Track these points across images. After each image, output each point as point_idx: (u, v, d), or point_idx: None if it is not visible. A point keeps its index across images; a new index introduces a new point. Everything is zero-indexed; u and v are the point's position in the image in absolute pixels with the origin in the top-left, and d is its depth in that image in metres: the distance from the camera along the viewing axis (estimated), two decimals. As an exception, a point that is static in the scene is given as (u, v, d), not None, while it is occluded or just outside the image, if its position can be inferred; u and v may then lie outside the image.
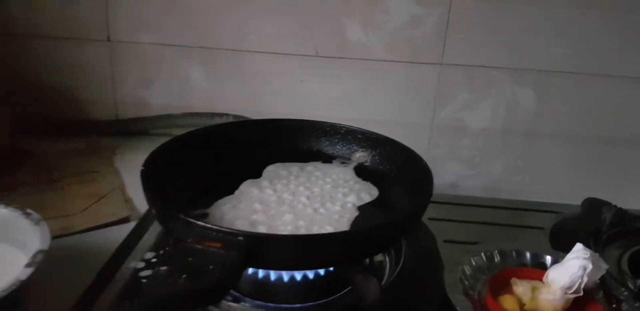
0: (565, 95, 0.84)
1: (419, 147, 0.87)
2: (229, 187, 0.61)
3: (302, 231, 0.53)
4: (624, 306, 0.52)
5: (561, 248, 0.61)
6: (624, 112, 0.84)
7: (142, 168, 0.54)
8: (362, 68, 0.84)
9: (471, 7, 0.79)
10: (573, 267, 0.51)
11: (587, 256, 0.51)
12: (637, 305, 0.52)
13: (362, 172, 0.65)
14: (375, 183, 0.63)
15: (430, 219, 0.68)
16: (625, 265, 0.61)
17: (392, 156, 0.64)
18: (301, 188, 0.61)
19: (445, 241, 0.64)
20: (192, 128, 0.85)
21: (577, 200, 0.74)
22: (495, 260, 0.58)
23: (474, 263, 0.56)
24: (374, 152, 0.66)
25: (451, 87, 0.84)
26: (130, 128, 0.89)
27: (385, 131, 0.86)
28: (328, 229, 0.54)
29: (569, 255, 0.52)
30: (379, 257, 0.60)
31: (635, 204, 0.72)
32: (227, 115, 0.86)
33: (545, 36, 0.80)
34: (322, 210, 0.58)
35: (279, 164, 0.66)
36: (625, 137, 0.85)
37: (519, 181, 0.89)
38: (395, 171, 0.64)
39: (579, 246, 0.52)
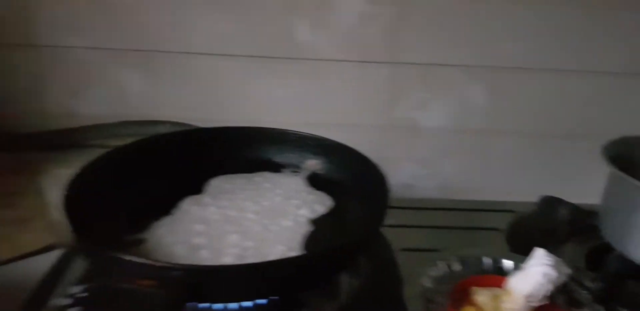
0: (517, 91, 0.81)
1: (374, 148, 0.83)
2: (169, 206, 0.55)
3: (250, 253, 0.48)
4: (586, 309, 0.49)
5: (520, 250, 0.58)
6: (577, 106, 0.82)
7: (65, 192, 0.47)
8: (312, 69, 0.79)
9: (422, 4, 0.75)
10: (535, 275, 0.48)
11: (549, 262, 0.48)
12: (597, 308, 0.49)
13: (315, 181, 0.60)
14: (329, 193, 0.59)
15: (386, 226, 0.64)
16: (582, 263, 0.60)
17: (346, 163, 0.60)
18: (248, 203, 0.56)
19: (403, 249, 0.60)
20: (129, 138, 0.80)
21: (532, 197, 0.72)
22: (455, 268, 0.54)
23: (433, 274, 0.52)
24: (326, 160, 0.62)
25: (404, 86, 0.80)
26: (59, 141, 0.80)
27: (338, 133, 0.81)
28: (279, 249, 0.48)
29: (531, 262, 0.49)
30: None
31: (590, 198, 0.70)
32: (167, 123, 0.79)
33: (496, 32, 0.77)
34: (272, 227, 0.52)
35: (223, 177, 0.60)
36: (578, 132, 0.83)
37: (474, 179, 0.86)
38: (350, 179, 0.59)
39: (539, 252, 0.49)
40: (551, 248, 0.60)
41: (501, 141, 0.84)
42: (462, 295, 0.50)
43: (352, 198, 0.57)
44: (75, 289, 0.49)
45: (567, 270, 0.50)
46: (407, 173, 0.85)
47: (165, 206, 0.54)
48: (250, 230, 0.51)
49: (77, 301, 0.47)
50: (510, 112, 0.82)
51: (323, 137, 0.61)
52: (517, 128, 0.83)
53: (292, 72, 0.79)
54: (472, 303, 0.49)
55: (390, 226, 0.64)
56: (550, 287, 0.48)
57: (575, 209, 0.66)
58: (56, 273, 0.53)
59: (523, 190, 0.75)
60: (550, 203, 0.68)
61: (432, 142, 0.84)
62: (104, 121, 0.81)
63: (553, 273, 0.48)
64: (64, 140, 0.80)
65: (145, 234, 0.50)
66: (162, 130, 0.78)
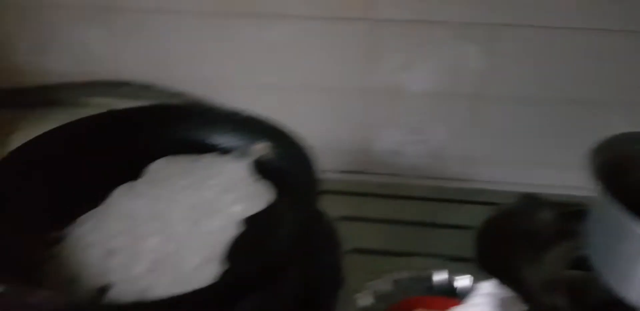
0: (519, 52, 0.68)
1: (355, 113, 0.76)
2: (102, 195, 0.50)
3: (166, 261, 0.43)
4: None
5: (487, 257, 0.51)
6: (587, 69, 0.69)
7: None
8: (279, 27, 0.68)
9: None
10: (478, 315, 0.41)
11: (495, 303, 0.41)
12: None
13: (261, 167, 0.53)
14: (274, 182, 0.52)
15: (344, 218, 0.57)
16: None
17: (288, 153, 0.52)
18: (181, 195, 0.50)
19: (355, 250, 0.54)
20: (97, 98, 0.75)
21: (528, 173, 0.63)
22: (403, 284, 0.47)
23: (376, 289, 0.46)
24: (273, 145, 0.54)
25: (385, 46, 0.68)
26: (29, 99, 0.75)
27: (314, 97, 0.73)
28: (195, 261, 0.43)
29: (476, 298, 0.41)
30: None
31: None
32: (131, 84, 0.72)
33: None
34: (199, 227, 0.47)
35: (164, 160, 0.54)
36: (590, 98, 0.71)
37: (465, 147, 0.76)
38: (291, 171, 0.51)
39: (486, 286, 0.42)
40: (529, 254, 0.52)
41: (497, 107, 0.73)
42: None
43: (289, 193, 0.50)
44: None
45: (522, 307, 0.42)
46: (393, 140, 0.76)
47: (98, 195, 0.49)
48: (174, 231, 0.46)
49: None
50: (508, 75, 0.70)
51: (269, 120, 0.53)
52: (515, 93, 0.71)
53: (258, 31, 0.69)
54: None
55: (348, 218, 0.58)
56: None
57: (562, 210, 0.56)
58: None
59: (520, 161, 0.65)
60: (532, 201, 0.57)
61: (420, 107, 0.74)
62: (72, 78, 0.74)
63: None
64: (34, 98, 0.75)
65: (67, 231, 0.46)
66: (126, 90, 0.72)
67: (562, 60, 0.68)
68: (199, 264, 0.43)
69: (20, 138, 0.68)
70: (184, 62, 0.72)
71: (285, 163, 0.52)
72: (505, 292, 0.41)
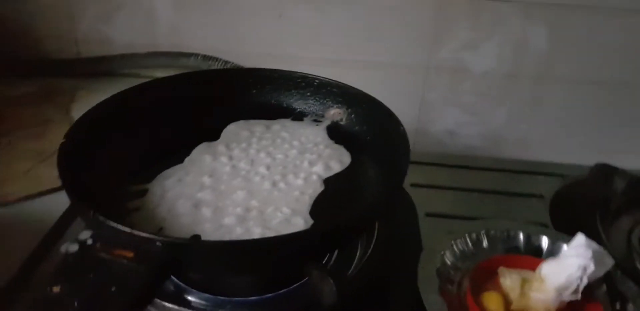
0: (583, 33, 0.68)
1: (415, 90, 0.75)
2: (182, 153, 0.50)
3: (253, 214, 0.43)
4: (630, 306, 0.42)
5: (562, 224, 0.51)
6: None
7: (62, 140, 0.42)
8: (350, 2, 0.68)
9: None
10: (571, 267, 0.40)
11: (589, 255, 0.40)
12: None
13: (335, 132, 0.53)
14: (349, 147, 0.52)
15: (413, 185, 0.57)
16: (636, 242, 0.51)
17: (370, 117, 0.52)
18: (262, 155, 0.50)
19: (428, 214, 0.54)
20: (158, 69, 0.75)
21: (589, 156, 0.62)
22: (483, 244, 0.47)
23: (456, 249, 0.46)
24: (350, 110, 0.54)
25: (452, 23, 0.68)
26: (92, 68, 0.76)
27: (376, 73, 0.73)
28: (284, 213, 0.43)
29: (569, 250, 0.41)
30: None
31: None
32: (196, 55, 0.72)
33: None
34: (281, 185, 0.47)
35: (241, 122, 0.54)
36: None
37: (524, 130, 0.76)
38: (372, 134, 0.51)
39: (580, 239, 0.41)
40: (602, 222, 0.52)
41: (559, 89, 0.72)
42: (486, 275, 0.43)
43: (370, 156, 0.50)
44: (84, 235, 0.46)
45: (610, 261, 0.42)
46: (450, 119, 0.76)
47: (180, 152, 0.50)
48: (258, 188, 0.46)
49: (84, 248, 0.45)
50: (572, 57, 0.70)
51: (348, 85, 0.53)
52: (579, 76, 0.71)
53: (327, 5, 0.69)
54: (496, 286, 0.43)
55: (418, 185, 0.58)
56: (586, 281, 0.40)
57: (633, 179, 0.55)
58: (69, 215, 0.50)
59: (580, 146, 0.64)
60: (604, 171, 0.56)
61: (481, 86, 0.73)
62: (135, 49, 0.75)
63: (591, 266, 0.40)
64: (96, 68, 0.76)
65: (150, 184, 0.46)
66: (191, 62, 0.72)
67: (626, 44, 0.68)
68: (284, 218, 0.43)
69: (82, 106, 0.69)
70: (247, 36, 0.72)
71: (365, 129, 0.52)
72: (596, 246, 0.41)
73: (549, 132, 0.74)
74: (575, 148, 0.69)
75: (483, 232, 0.47)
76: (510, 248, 0.47)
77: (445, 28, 0.69)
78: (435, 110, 0.76)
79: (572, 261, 0.40)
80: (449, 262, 0.45)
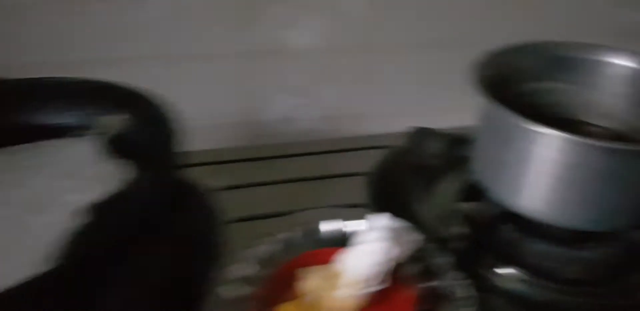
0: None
1: (238, 80, 0.68)
2: None
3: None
4: (439, 282, 0.37)
5: (382, 201, 0.46)
6: (477, 13, 0.66)
7: None
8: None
9: None
10: (372, 253, 0.35)
11: (389, 236, 0.35)
12: (454, 276, 0.37)
13: (113, 145, 0.45)
14: (131, 159, 0.43)
15: (229, 188, 0.50)
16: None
17: (143, 122, 0.43)
18: (14, 190, 0.40)
19: (241, 219, 0.46)
20: None
21: (419, 122, 0.58)
22: (295, 242, 0.40)
23: (255, 256, 0.39)
24: (123, 115, 0.45)
25: (260, 2, 0.62)
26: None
27: (190, 66, 0.65)
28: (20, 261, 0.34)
29: (366, 234, 0.36)
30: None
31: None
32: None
33: None
34: (28, 224, 0.37)
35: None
36: (470, 42, 0.67)
37: (359, 105, 0.71)
38: (148, 143, 0.43)
39: (378, 220, 0.36)
40: (422, 189, 0.49)
41: (383, 58, 0.68)
42: (287, 281, 0.37)
43: (148, 167, 0.42)
44: None
45: (417, 237, 0.37)
46: (284, 105, 0.70)
47: None
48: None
49: None
50: (392, 23, 0.65)
51: (119, 86, 0.44)
52: (403, 40, 0.67)
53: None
54: (296, 294, 0.36)
55: (238, 187, 0.52)
56: (392, 264, 0.35)
57: (450, 139, 0.51)
58: None
59: (408, 114, 0.60)
60: (420, 134, 0.52)
61: (306, 66, 0.67)
62: None
63: (394, 248, 0.35)
64: None
65: None
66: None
67: (445, 4, 0.64)
68: (24, 263, 0.34)
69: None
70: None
71: (142, 135, 0.44)
72: (398, 224, 0.35)
73: (381, 103, 0.69)
74: (406, 115, 0.65)
75: (289, 230, 0.40)
76: (319, 239, 0.40)
77: (257, 9, 0.62)
78: (265, 97, 0.69)
79: (372, 246, 0.35)
80: (248, 273, 0.38)
